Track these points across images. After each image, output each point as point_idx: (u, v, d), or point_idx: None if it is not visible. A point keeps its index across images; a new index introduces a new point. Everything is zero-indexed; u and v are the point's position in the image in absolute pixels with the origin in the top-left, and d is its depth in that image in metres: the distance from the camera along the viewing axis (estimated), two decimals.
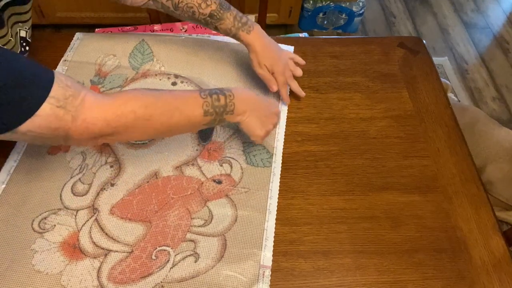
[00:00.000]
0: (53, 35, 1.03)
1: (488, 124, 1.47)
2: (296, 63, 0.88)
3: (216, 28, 0.81)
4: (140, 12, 1.74)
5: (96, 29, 1.20)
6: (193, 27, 1.21)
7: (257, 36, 0.80)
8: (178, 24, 1.22)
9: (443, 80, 1.09)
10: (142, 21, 1.30)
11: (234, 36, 0.81)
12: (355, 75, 0.93)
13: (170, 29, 1.21)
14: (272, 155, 0.79)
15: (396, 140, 0.83)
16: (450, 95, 1.75)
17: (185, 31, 1.20)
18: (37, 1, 1.75)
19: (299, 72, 0.87)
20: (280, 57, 0.83)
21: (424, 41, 1.01)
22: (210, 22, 0.80)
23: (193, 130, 0.78)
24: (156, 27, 1.21)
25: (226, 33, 0.81)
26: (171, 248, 0.67)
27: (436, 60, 1.95)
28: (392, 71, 0.94)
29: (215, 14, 0.79)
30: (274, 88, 0.83)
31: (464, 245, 0.71)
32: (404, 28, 2.14)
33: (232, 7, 0.81)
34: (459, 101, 1.81)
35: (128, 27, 1.19)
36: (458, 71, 1.96)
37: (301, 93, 0.87)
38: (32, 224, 0.69)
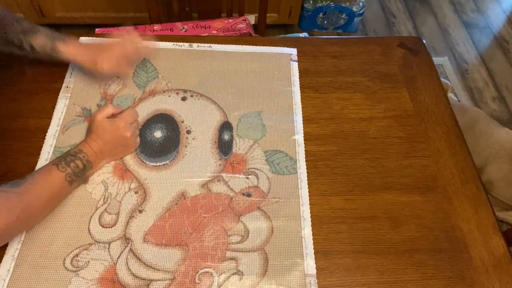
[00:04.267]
0: None
1: (488, 124, 1.47)
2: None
3: (32, 48, 0.78)
4: (140, 12, 1.74)
5: (96, 29, 1.20)
6: (193, 26, 1.22)
7: (76, 44, 0.81)
8: (178, 24, 1.22)
9: (443, 80, 1.09)
10: (142, 21, 1.30)
11: (53, 50, 0.78)
12: (355, 75, 0.93)
13: (170, 29, 1.21)
14: (296, 161, 0.79)
15: (396, 140, 0.83)
16: (450, 95, 1.75)
17: (185, 31, 1.21)
18: (37, 1, 1.75)
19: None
20: (106, 47, 0.83)
21: (424, 41, 1.01)
22: (25, 40, 0.77)
23: (66, 196, 0.73)
24: (156, 27, 1.21)
25: (43, 49, 0.78)
26: (213, 269, 0.66)
27: (436, 60, 1.95)
28: (392, 71, 0.94)
29: (28, 29, 0.77)
30: (130, 72, 0.88)
31: (464, 245, 0.71)
32: (404, 28, 2.14)
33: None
34: (459, 101, 1.81)
35: (128, 27, 1.19)
36: (458, 71, 1.96)
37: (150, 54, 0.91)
38: (64, 263, 0.66)
